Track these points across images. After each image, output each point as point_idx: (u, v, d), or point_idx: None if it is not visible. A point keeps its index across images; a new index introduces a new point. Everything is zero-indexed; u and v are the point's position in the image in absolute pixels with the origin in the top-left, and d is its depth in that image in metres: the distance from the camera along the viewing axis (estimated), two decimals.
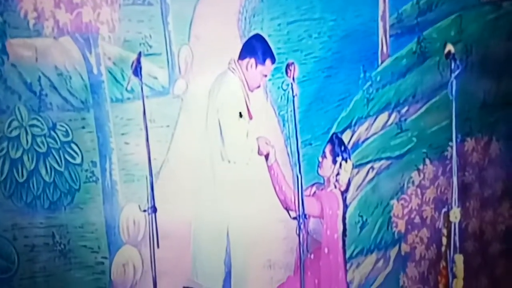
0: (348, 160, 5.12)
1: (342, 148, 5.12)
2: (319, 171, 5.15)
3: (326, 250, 5.07)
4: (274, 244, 5.17)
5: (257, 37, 5.12)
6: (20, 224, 4.92)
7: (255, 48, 5.08)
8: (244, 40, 5.18)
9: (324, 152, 5.13)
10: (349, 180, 5.12)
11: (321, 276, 5.07)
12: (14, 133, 4.93)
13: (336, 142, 5.13)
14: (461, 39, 5.44)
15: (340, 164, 5.09)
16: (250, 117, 5.06)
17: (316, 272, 5.07)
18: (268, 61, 5.08)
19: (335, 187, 5.09)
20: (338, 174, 5.09)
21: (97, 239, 5.00)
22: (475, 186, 5.53)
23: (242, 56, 5.09)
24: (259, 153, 5.07)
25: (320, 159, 5.12)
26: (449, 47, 5.03)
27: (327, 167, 5.13)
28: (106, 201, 5.02)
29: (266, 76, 5.10)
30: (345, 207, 5.11)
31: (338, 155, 5.10)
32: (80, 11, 4.94)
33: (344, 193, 5.11)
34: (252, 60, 5.06)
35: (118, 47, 5.02)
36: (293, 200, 4.95)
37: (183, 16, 5.09)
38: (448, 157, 5.38)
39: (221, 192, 5.08)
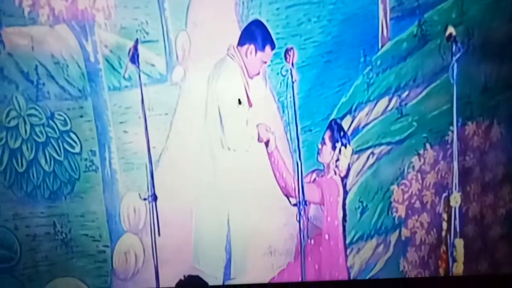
0: (348, 145, 5.15)
1: (341, 134, 5.14)
2: (319, 158, 5.18)
3: (326, 237, 5.14)
4: (275, 231, 5.20)
5: (257, 23, 5.10)
6: (21, 214, 4.99)
7: (255, 34, 5.07)
8: (242, 25, 5.15)
9: (323, 138, 5.15)
10: (348, 165, 5.16)
11: (322, 261, 5.14)
12: (13, 123, 4.97)
13: (335, 128, 5.15)
14: (462, 22, 5.35)
15: (340, 150, 5.12)
16: (250, 105, 5.07)
17: (317, 258, 5.14)
18: (267, 48, 5.07)
19: (335, 173, 5.13)
20: (337, 160, 5.13)
21: (98, 228, 5.06)
22: (476, 171, 5.51)
23: (241, 42, 5.08)
24: (259, 140, 5.10)
25: (320, 146, 5.15)
26: (450, 30, 5.01)
27: (327, 154, 5.15)
28: (106, 190, 5.06)
29: (265, 62, 5.10)
30: (345, 193, 5.16)
31: (337, 141, 5.13)
32: None
33: (344, 179, 5.16)
34: (252, 47, 5.05)
35: (114, 35, 5.00)
36: (293, 187, 5.00)
37: (179, 2, 5.05)
38: (449, 141, 5.36)
39: (221, 180, 5.12)
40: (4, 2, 4.85)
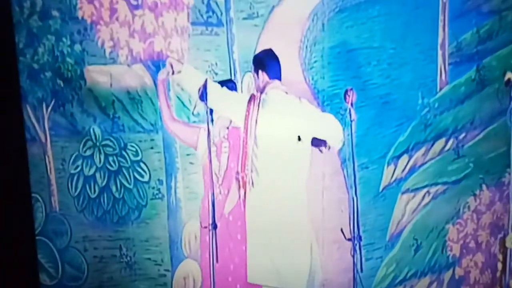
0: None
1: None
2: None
3: None
4: (329, 265, 5.51)
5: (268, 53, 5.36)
6: (90, 237, 5.56)
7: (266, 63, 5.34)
8: (305, 68, 5.57)
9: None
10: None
11: None
12: (88, 152, 5.58)
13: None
14: None
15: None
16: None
17: None
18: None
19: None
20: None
21: (161, 253, 5.56)
22: None
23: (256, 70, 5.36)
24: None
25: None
26: (509, 75, 5.32)
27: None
28: (171, 217, 5.58)
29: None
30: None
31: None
32: (152, 41, 5.54)
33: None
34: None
35: None
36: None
37: (247, 45, 5.54)
38: (505, 183, 5.63)
39: None
40: (88, 43, 5.50)
